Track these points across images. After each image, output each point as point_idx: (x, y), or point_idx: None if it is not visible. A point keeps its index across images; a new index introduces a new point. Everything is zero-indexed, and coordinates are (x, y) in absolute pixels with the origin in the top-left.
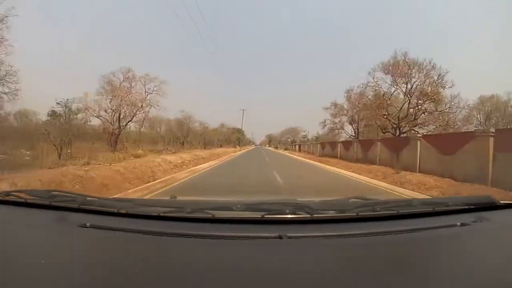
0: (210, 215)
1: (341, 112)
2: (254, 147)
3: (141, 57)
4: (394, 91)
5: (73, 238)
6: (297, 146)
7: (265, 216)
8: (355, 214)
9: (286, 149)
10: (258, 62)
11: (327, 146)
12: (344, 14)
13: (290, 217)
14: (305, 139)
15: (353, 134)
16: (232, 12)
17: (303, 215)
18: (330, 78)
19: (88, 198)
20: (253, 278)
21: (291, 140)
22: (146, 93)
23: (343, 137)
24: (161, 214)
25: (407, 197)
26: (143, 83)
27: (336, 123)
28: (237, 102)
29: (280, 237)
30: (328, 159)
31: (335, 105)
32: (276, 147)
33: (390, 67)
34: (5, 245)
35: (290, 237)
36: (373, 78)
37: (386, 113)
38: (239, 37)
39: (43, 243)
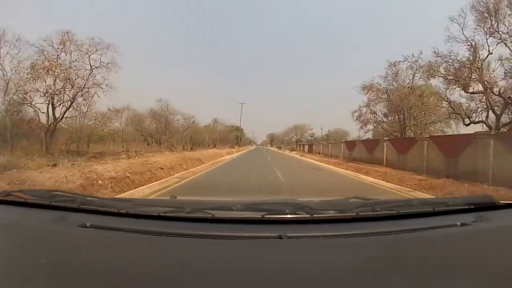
0: (210, 215)
1: (380, 96)
2: (255, 147)
3: (141, 56)
4: (489, 54)
5: (73, 238)
6: (306, 147)
7: (265, 216)
8: (355, 214)
9: (292, 149)
10: (258, 61)
11: (360, 147)
12: (344, 14)
13: (290, 217)
14: (312, 138)
15: (394, 131)
16: (231, 12)
17: (303, 215)
18: (330, 78)
19: (88, 198)
20: (253, 278)
21: (296, 139)
22: (92, 67)
23: (362, 135)
24: (161, 214)
25: None
26: (87, 51)
27: (374, 113)
28: (238, 101)
29: (280, 237)
30: (368, 166)
31: (370, 88)
32: (280, 147)
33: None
34: (5, 245)
35: (290, 237)
36: (461, 29)
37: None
38: (238, 37)
39: (43, 243)
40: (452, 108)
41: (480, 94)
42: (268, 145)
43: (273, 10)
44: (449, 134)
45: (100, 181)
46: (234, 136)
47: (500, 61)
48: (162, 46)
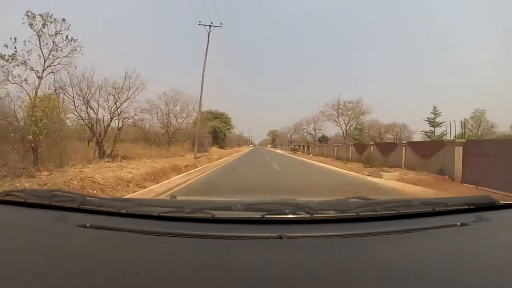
0: (210, 215)
1: None
2: (252, 147)
3: (142, 56)
4: None
5: (73, 238)
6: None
7: (265, 216)
8: (355, 214)
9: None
10: (258, 59)
11: None
12: (345, 14)
13: (290, 217)
14: (357, 132)
15: None
16: (230, 10)
17: (303, 215)
18: (331, 78)
19: (88, 198)
20: (253, 278)
21: (316, 137)
22: None
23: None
24: (161, 214)
25: None
26: None
27: None
28: (238, 100)
29: (280, 237)
30: None
31: None
32: (295, 150)
33: None
34: (4, 245)
35: (290, 237)
36: None
37: None
38: (236, 35)
39: (43, 243)
40: None
41: None
42: (268, 146)
43: (273, 9)
44: None
45: None
46: (212, 127)
47: None
48: (160, 46)
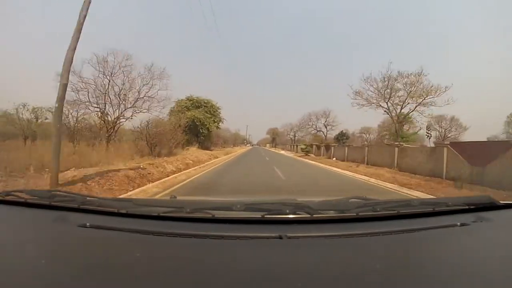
0: (210, 215)
1: None
2: (250, 147)
3: (143, 56)
4: None
5: (73, 238)
6: None
7: (265, 216)
8: (355, 214)
9: None
10: (258, 59)
11: None
12: (345, 14)
13: (290, 217)
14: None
15: None
16: (234, 11)
17: (303, 215)
18: (331, 77)
19: (88, 198)
20: (253, 278)
21: (327, 135)
22: None
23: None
24: (161, 214)
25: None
26: None
27: None
28: (237, 99)
29: (280, 237)
30: None
31: None
32: (307, 152)
33: None
34: (5, 245)
35: (290, 237)
36: None
37: None
38: (237, 35)
39: (43, 243)
40: None
41: None
42: (267, 145)
43: (273, 9)
44: None
45: None
46: (190, 118)
47: None
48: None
